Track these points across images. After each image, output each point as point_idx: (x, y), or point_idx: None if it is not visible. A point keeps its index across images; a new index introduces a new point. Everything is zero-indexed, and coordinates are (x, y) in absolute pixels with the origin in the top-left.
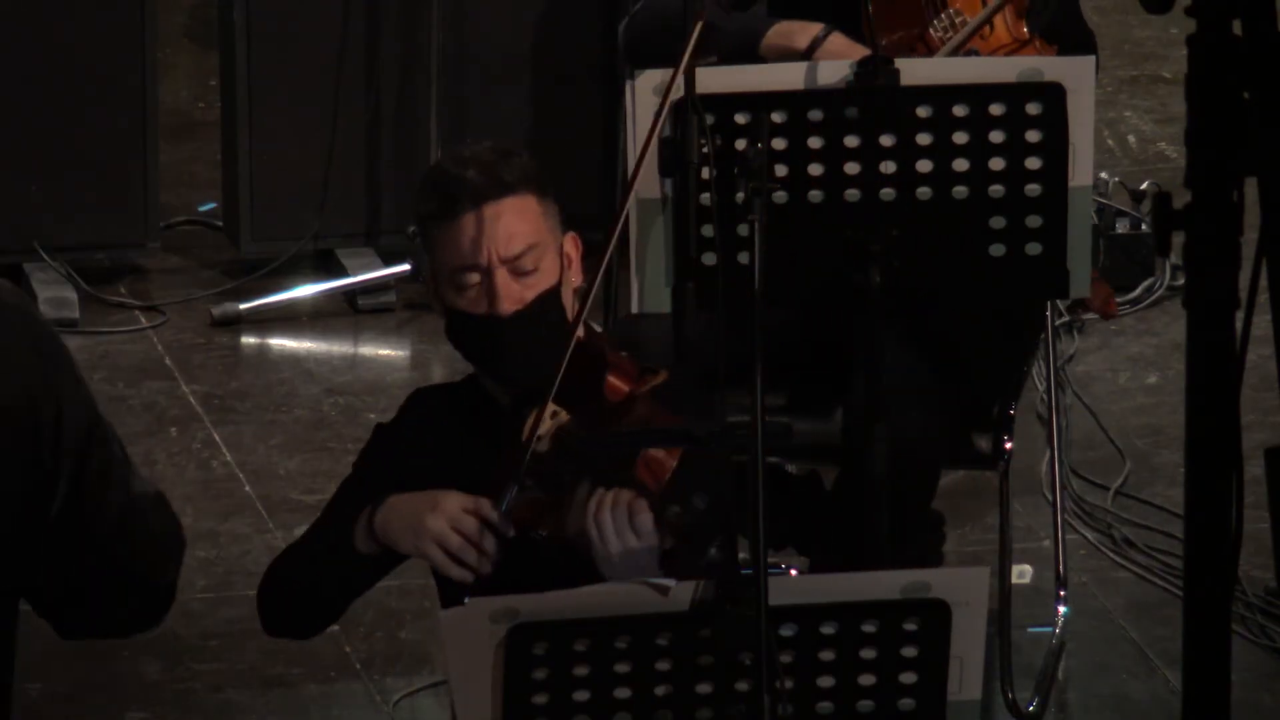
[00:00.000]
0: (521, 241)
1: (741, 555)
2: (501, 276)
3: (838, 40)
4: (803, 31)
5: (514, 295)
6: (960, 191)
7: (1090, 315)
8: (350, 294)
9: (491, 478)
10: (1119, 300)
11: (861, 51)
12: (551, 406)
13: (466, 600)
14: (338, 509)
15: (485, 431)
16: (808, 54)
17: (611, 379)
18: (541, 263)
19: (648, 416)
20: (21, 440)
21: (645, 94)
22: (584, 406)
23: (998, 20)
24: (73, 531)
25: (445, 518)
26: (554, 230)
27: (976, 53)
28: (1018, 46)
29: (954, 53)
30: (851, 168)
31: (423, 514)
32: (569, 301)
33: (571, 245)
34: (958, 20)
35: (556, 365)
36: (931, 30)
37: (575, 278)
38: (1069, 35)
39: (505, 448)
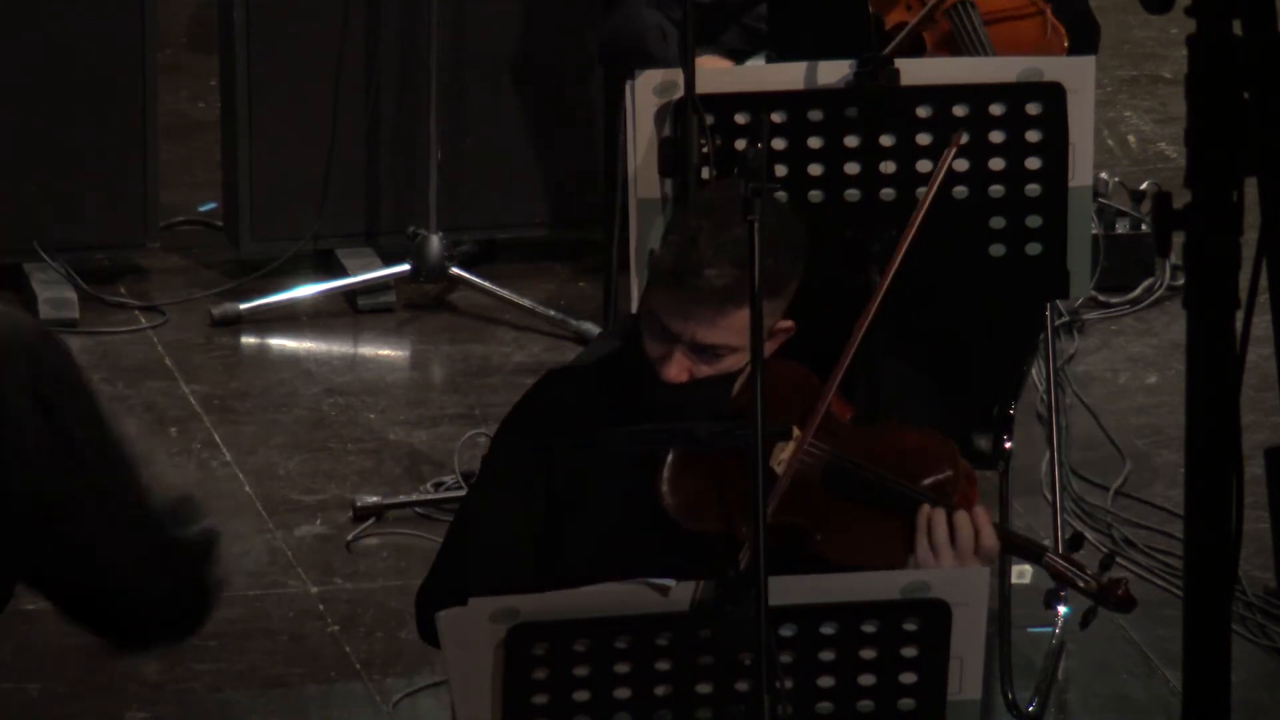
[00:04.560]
0: (722, 339)
1: None
2: (682, 352)
3: None
4: (709, 65)
5: (684, 369)
6: (960, 191)
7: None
8: (350, 294)
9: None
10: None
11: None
12: (796, 432)
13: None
14: (493, 507)
15: (638, 410)
16: None
17: (835, 405)
18: (732, 355)
19: (886, 437)
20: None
21: (645, 94)
22: (819, 430)
23: None
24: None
25: None
26: (765, 328)
27: (971, 3)
28: (1013, 1)
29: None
30: (851, 168)
31: None
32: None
33: (782, 330)
34: None
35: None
36: None
37: (769, 349)
38: (1068, 8)
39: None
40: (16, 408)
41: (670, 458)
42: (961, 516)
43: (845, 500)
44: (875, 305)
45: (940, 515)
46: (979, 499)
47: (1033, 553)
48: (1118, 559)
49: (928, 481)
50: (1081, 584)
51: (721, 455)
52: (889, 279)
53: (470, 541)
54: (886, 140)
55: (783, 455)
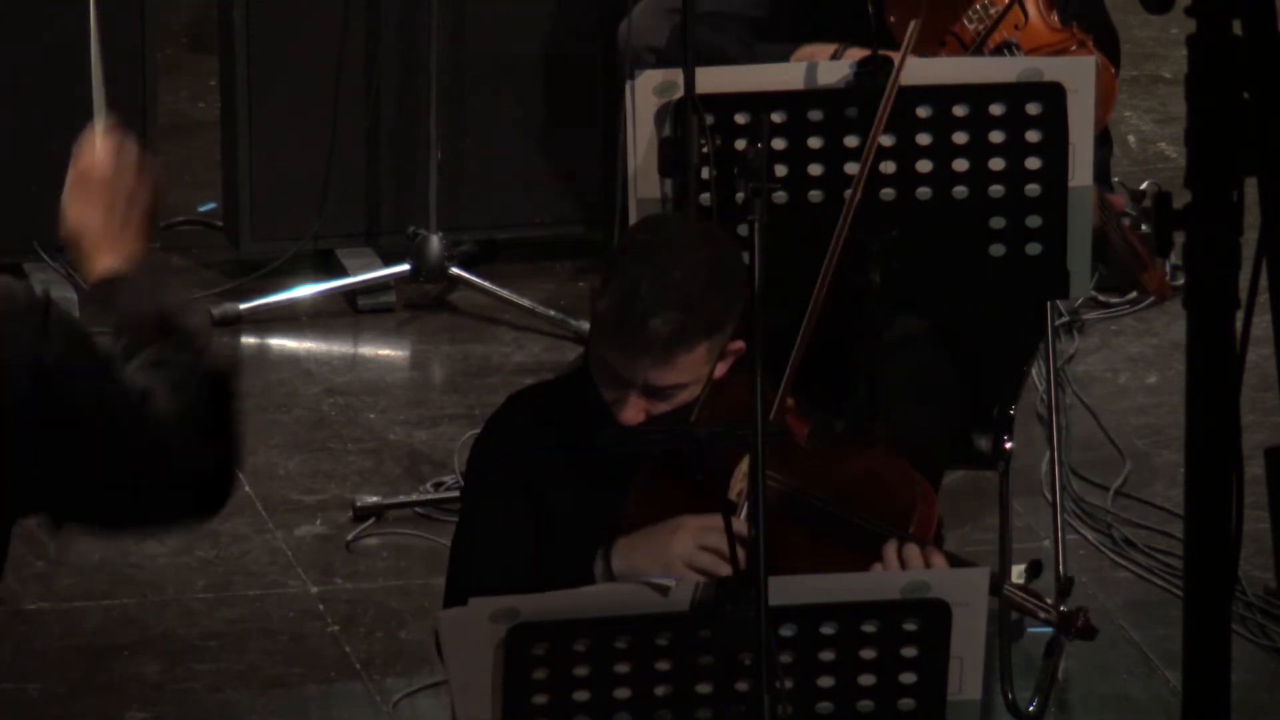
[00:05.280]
0: (674, 380)
1: None
2: (637, 394)
3: (855, 55)
4: (821, 54)
5: (640, 411)
6: (960, 191)
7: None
8: (350, 294)
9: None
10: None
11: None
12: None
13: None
14: (498, 534)
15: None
16: None
17: (791, 421)
18: (685, 390)
19: (842, 455)
20: None
21: (645, 94)
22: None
23: (1031, 10)
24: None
25: (690, 537)
26: (713, 360)
27: (1015, 43)
28: (1056, 37)
29: (982, 42)
30: (851, 168)
31: (666, 541)
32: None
33: (733, 352)
34: (991, 10)
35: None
36: (965, 22)
37: (720, 371)
38: (1093, 24)
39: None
40: (19, 375)
41: (634, 491)
42: (911, 550)
43: (802, 531)
44: (821, 294)
45: (890, 550)
46: (935, 529)
47: (991, 584)
48: (1119, 560)
49: (884, 507)
50: (1042, 615)
51: (685, 487)
52: (841, 241)
53: (475, 560)
54: (886, 140)
55: (740, 485)
